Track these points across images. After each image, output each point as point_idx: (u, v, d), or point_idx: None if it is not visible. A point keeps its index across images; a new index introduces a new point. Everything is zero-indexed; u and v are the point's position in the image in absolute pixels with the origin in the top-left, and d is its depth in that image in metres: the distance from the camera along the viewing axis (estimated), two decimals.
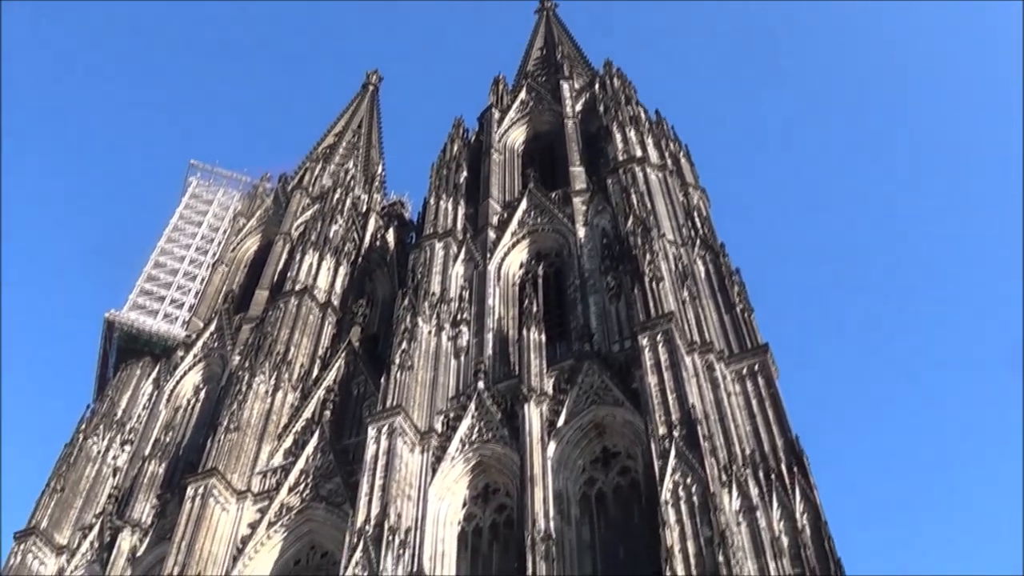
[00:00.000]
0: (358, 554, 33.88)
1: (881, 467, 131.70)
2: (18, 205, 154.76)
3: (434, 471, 37.46)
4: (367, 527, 34.68)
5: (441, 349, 43.02)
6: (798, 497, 31.10)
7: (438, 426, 39.43)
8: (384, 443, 37.51)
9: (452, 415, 39.83)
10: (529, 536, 32.28)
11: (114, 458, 50.84)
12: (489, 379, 40.56)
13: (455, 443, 38.24)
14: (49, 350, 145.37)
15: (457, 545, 36.03)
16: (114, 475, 49.99)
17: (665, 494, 30.14)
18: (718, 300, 40.70)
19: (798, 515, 30.55)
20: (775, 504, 31.05)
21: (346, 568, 33.73)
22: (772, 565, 28.91)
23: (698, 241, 44.40)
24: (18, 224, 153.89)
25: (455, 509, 37.03)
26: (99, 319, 60.18)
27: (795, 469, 31.99)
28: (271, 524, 40.22)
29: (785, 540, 29.96)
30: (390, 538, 34.01)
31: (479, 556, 35.75)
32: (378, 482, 36.19)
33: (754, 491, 31.36)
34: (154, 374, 55.80)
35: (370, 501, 35.68)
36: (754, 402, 35.29)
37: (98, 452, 50.78)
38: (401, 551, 33.91)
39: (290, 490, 41.15)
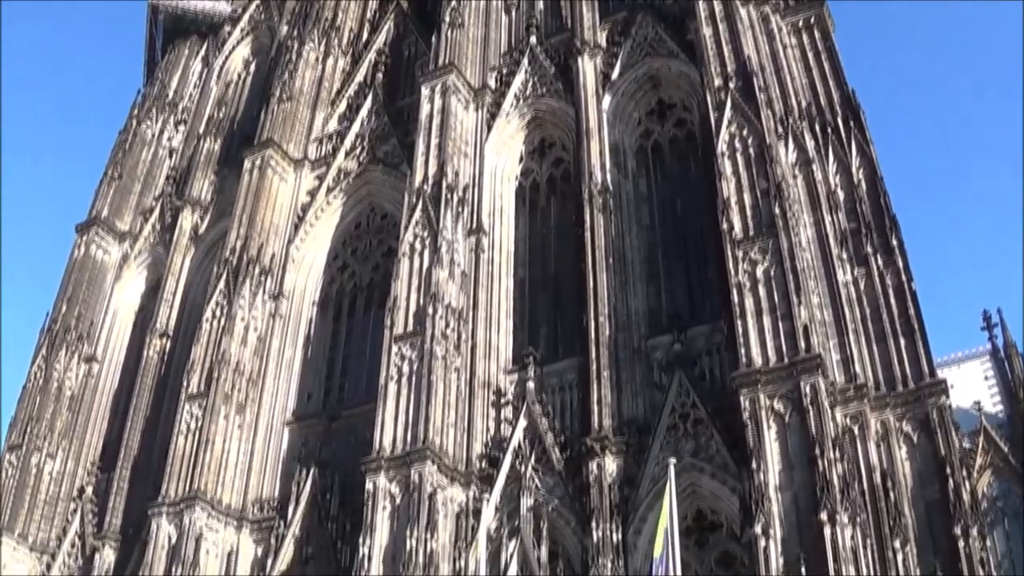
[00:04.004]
0: (417, 213, 34.37)
1: (937, 127, 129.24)
2: None
3: (489, 128, 37.38)
4: (425, 186, 35.02)
5: (491, 5, 41.71)
6: (854, 151, 30.99)
7: (491, 83, 38.94)
8: (438, 102, 37.20)
9: (505, 71, 39.27)
10: (586, 189, 32.67)
11: (169, 139, 50.86)
12: (541, 33, 39.66)
13: (509, 99, 37.93)
14: (95, 40, 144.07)
15: (515, 200, 36.55)
16: (170, 156, 50.21)
17: (721, 146, 30.07)
18: None
19: (854, 169, 30.58)
20: (831, 158, 31.05)
21: (406, 228, 34.28)
22: (828, 218, 29.33)
23: None
24: None
25: (512, 164, 37.30)
26: (143, 3, 59.57)
27: (851, 123, 31.69)
28: (330, 190, 40.69)
29: (841, 194, 30.18)
30: (448, 196, 34.35)
31: (537, 210, 36.27)
32: (434, 141, 36.22)
33: (810, 144, 31.35)
34: (202, 52, 54.95)
35: (427, 160, 35.82)
36: (810, 55, 34.67)
37: (153, 135, 50.70)
38: (460, 208, 34.38)
39: (347, 155, 41.30)
